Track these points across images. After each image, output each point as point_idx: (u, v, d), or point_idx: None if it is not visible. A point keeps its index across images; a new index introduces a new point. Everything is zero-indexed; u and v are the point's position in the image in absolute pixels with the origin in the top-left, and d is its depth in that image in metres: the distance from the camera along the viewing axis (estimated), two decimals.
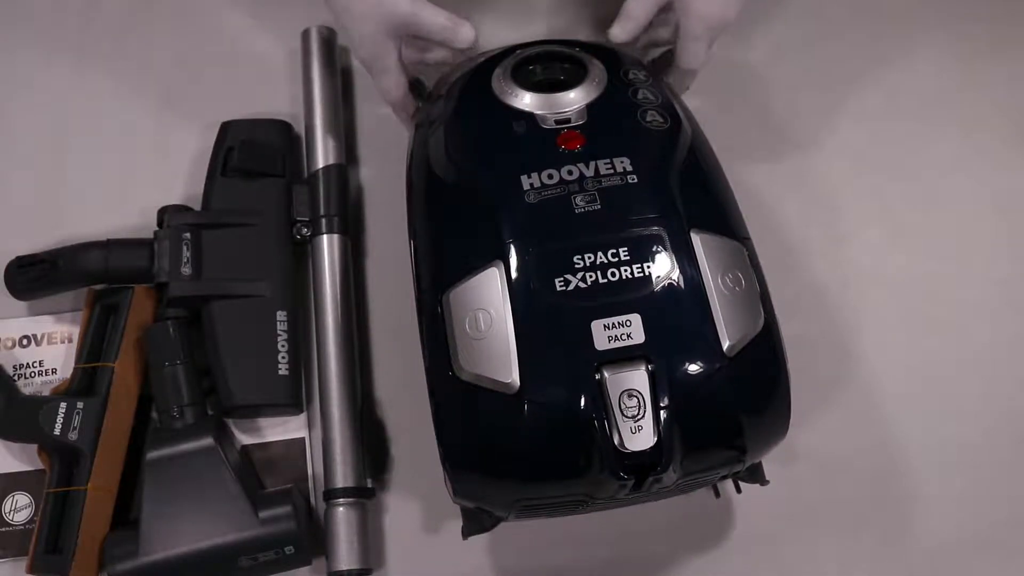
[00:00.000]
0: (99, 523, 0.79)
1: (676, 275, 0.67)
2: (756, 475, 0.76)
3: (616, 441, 0.64)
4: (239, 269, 0.85)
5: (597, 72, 0.77)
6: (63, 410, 0.79)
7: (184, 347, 0.82)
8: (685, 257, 0.68)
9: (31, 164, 0.95)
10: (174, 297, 0.83)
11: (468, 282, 0.68)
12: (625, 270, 0.67)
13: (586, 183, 0.70)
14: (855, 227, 0.94)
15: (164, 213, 0.87)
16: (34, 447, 0.82)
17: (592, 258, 0.67)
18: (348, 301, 0.87)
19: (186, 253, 0.84)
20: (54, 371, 0.86)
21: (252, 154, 0.89)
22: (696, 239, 0.68)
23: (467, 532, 0.74)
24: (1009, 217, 0.94)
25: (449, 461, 0.69)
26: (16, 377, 0.86)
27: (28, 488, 0.83)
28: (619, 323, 0.65)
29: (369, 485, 0.83)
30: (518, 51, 0.80)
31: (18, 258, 0.84)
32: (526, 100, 0.75)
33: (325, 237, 0.88)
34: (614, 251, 0.67)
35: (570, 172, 0.70)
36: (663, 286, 0.66)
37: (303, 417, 0.86)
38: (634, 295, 0.66)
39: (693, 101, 0.83)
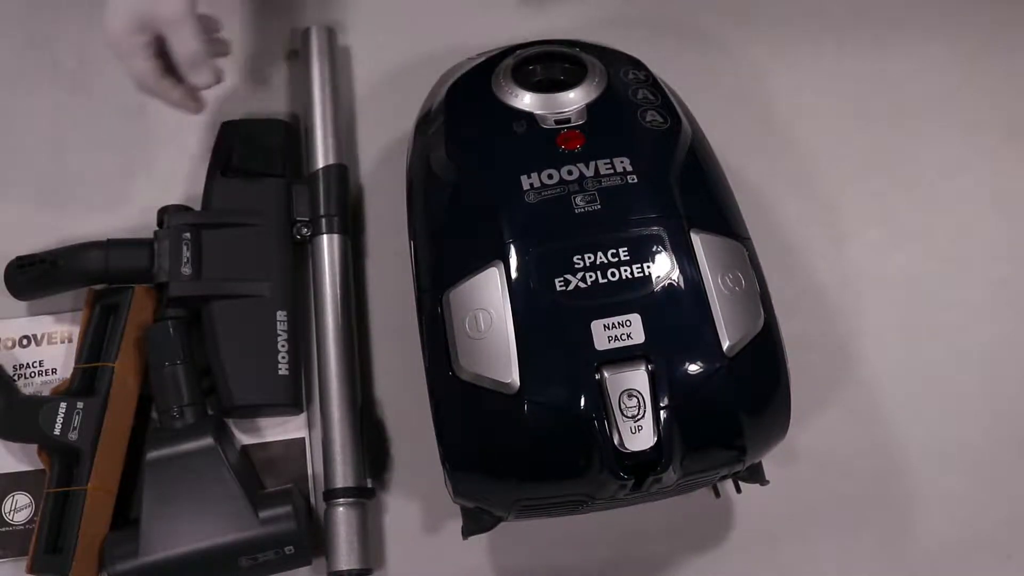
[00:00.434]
0: (99, 523, 0.79)
1: (676, 275, 0.67)
2: (756, 475, 0.76)
3: (616, 441, 0.64)
4: (239, 269, 0.85)
5: (597, 72, 0.77)
6: (63, 410, 0.79)
7: (184, 347, 0.82)
8: (685, 257, 0.68)
9: (31, 164, 0.95)
10: (174, 297, 0.83)
11: (468, 282, 0.68)
12: (625, 270, 0.67)
13: (586, 183, 0.70)
14: (855, 227, 0.94)
15: (164, 213, 0.87)
16: (34, 447, 0.82)
17: (592, 258, 0.67)
18: (348, 301, 0.87)
19: (186, 253, 0.84)
20: (54, 371, 0.86)
21: (252, 154, 0.89)
22: (696, 239, 0.68)
23: (467, 532, 0.74)
24: (1009, 217, 0.94)
25: (449, 461, 0.69)
26: (16, 377, 0.86)
27: (28, 488, 0.83)
28: (619, 323, 0.65)
29: (369, 485, 0.83)
30: (518, 51, 0.80)
31: (18, 258, 0.84)
32: (526, 100, 0.75)
33: (325, 237, 0.88)
34: (614, 251, 0.67)
35: (570, 172, 0.70)
36: (663, 286, 0.66)
37: (303, 417, 0.86)
38: (634, 295, 0.66)
39: (693, 101, 0.83)
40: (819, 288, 0.91)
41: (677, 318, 0.66)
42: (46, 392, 0.84)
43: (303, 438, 0.86)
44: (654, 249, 0.67)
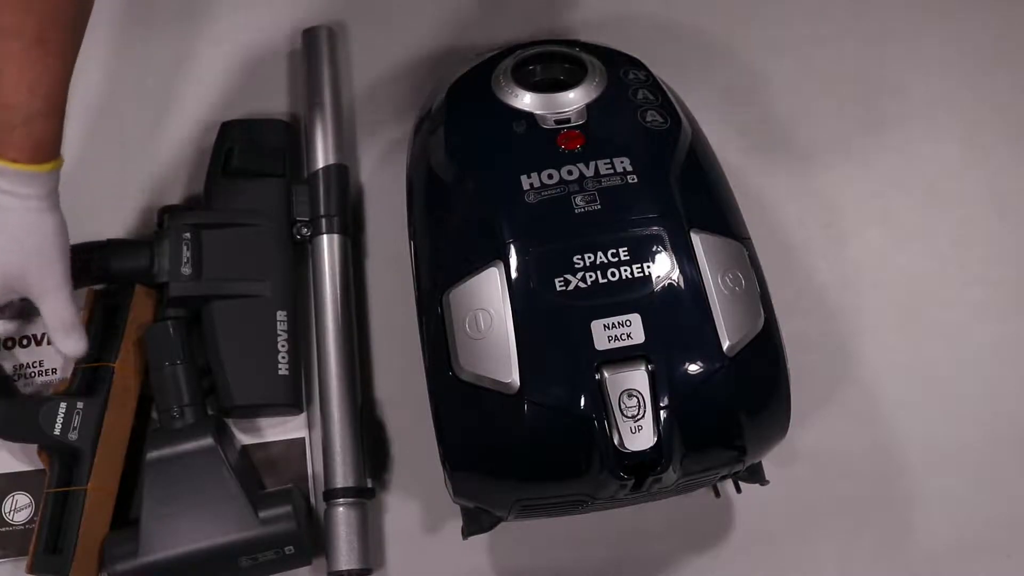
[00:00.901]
0: (99, 523, 0.79)
1: (676, 275, 0.67)
2: (756, 475, 0.76)
3: (616, 441, 0.64)
4: (239, 269, 0.85)
5: (597, 72, 0.77)
6: (63, 410, 0.79)
7: (184, 347, 0.82)
8: (685, 257, 0.68)
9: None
10: (174, 297, 0.83)
11: (468, 282, 0.68)
12: (625, 270, 0.67)
13: (586, 183, 0.70)
14: (855, 227, 0.93)
15: (164, 213, 0.87)
16: (34, 447, 0.82)
17: (592, 258, 0.67)
18: (348, 301, 0.87)
19: (186, 253, 0.84)
20: (54, 371, 0.86)
21: (252, 154, 0.89)
22: (696, 239, 0.68)
23: (467, 532, 0.74)
24: (1009, 218, 0.94)
25: (449, 461, 0.69)
26: (16, 377, 0.86)
27: (28, 488, 0.83)
28: (619, 323, 0.65)
29: (369, 485, 0.83)
30: (518, 51, 0.80)
31: None
32: (526, 100, 0.75)
33: (325, 237, 0.88)
34: (614, 251, 0.67)
35: (570, 172, 0.70)
36: (663, 286, 0.66)
37: (303, 417, 0.86)
38: (634, 295, 0.66)
39: (693, 101, 0.83)
40: (819, 288, 0.91)
41: (677, 318, 0.66)
42: (46, 392, 0.84)
43: (303, 438, 0.86)
44: (654, 249, 0.67)
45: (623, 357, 0.65)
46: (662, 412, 0.64)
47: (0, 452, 0.84)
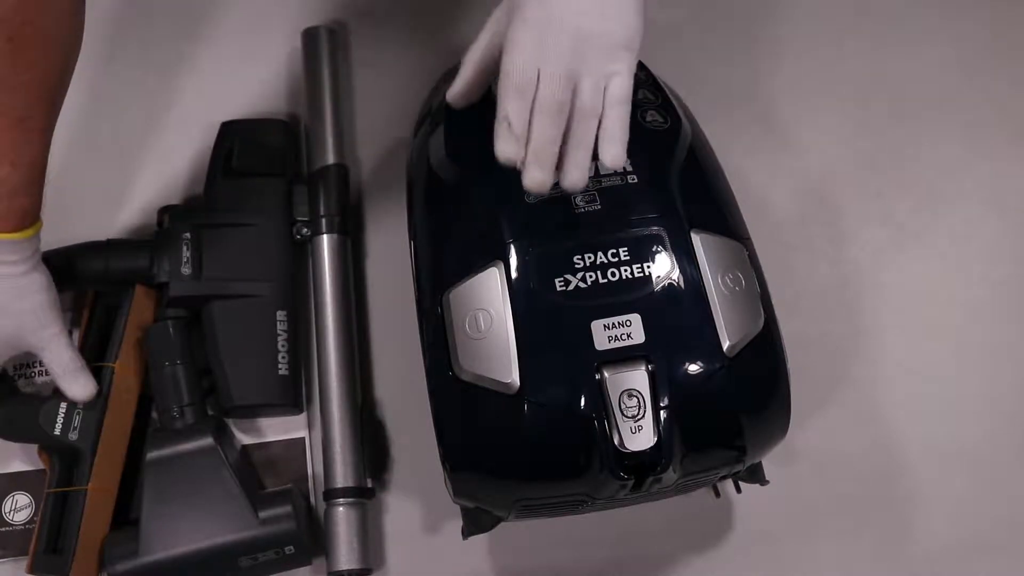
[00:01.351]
0: (99, 523, 0.79)
1: (676, 275, 0.67)
2: (756, 475, 0.76)
3: (616, 441, 0.64)
4: (239, 269, 0.85)
5: None
6: (63, 410, 0.79)
7: (184, 347, 0.82)
8: (685, 257, 0.68)
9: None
10: (174, 297, 0.83)
11: (468, 282, 0.68)
12: (625, 270, 0.67)
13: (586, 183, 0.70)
14: (855, 227, 0.93)
15: (164, 214, 0.87)
16: (35, 447, 0.82)
17: (592, 258, 0.67)
18: (348, 301, 0.87)
19: (186, 253, 0.84)
20: None
21: (252, 154, 0.89)
22: (696, 239, 0.68)
23: (467, 532, 0.74)
24: (1009, 217, 0.94)
25: (449, 461, 0.69)
26: (16, 377, 0.86)
27: (28, 488, 0.83)
28: (619, 323, 0.65)
29: (369, 485, 0.83)
30: None
31: None
32: None
33: (325, 237, 0.88)
34: (614, 251, 0.67)
35: None
36: (663, 286, 0.66)
37: (303, 417, 0.86)
38: (634, 295, 0.66)
39: (693, 100, 0.83)
40: (819, 288, 0.91)
41: (677, 318, 0.66)
42: (46, 392, 0.84)
43: (303, 438, 0.86)
44: (654, 249, 0.67)
45: (623, 357, 0.65)
46: (662, 412, 0.64)
47: (0, 452, 0.84)
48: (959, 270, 0.92)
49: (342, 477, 0.82)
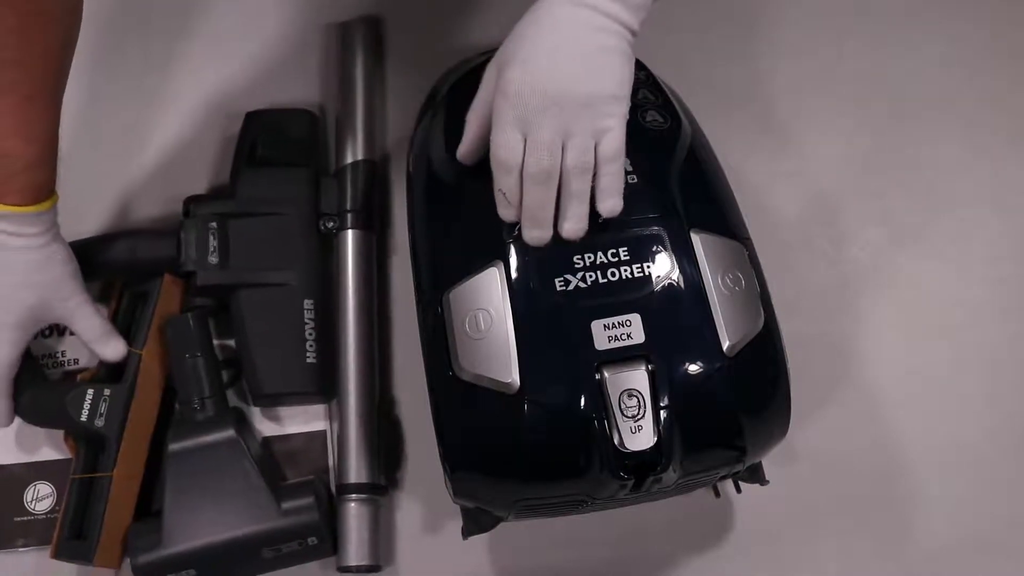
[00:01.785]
0: (124, 510, 0.80)
1: (676, 275, 0.67)
2: (756, 475, 0.76)
3: (616, 441, 0.64)
4: (266, 258, 0.85)
5: None
6: (90, 396, 0.80)
7: (205, 339, 0.82)
8: (685, 257, 0.68)
9: (61, 157, 0.95)
10: (201, 286, 0.83)
11: (468, 282, 0.68)
12: (625, 270, 0.67)
13: None
14: (855, 227, 0.93)
15: (190, 203, 0.87)
16: (57, 435, 0.82)
17: (592, 258, 0.67)
18: (370, 298, 0.87)
19: (213, 242, 0.84)
20: (76, 361, 0.87)
21: (277, 144, 0.89)
22: (696, 239, 0.68)
23: (467, 532, 0.74)
24: (1009, 217, 0.94)
25: (449, 461, 0.69)
26: (43, 365, 0.86)
27: (50, 478, 0.83)
28: (619, 323, 0.65)
29: (383, 482, 0.83)
30: None
31: None
32: None
33: (350, 232, 0.88)
34: (614, 251, 0.67)
35: None
36: (663, 286, 0.66)
37: (324, 410, 0.86)
38: (634, 295, 0.66)
39: (693, 100, 0.83)
40: (819, 288, 0.91)
41: (677, 318, 0.66)
42: (72, 379, 0.84)
43: (324, 431, 0.86)
44: (654, 249, 0.67)
45: (623, 357, 0.65)
46: (662, 412, 0.64)
47: (23, 441, 0.84)
48: (959, 270, 0.92)
49: (355, 473, 0.82)
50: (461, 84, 0.80)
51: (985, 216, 0.94)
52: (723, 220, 0.72)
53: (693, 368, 0.65)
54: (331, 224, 0.88)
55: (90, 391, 0.80)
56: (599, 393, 0.64)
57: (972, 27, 1.01)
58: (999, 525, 0.85)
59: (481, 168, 0.72)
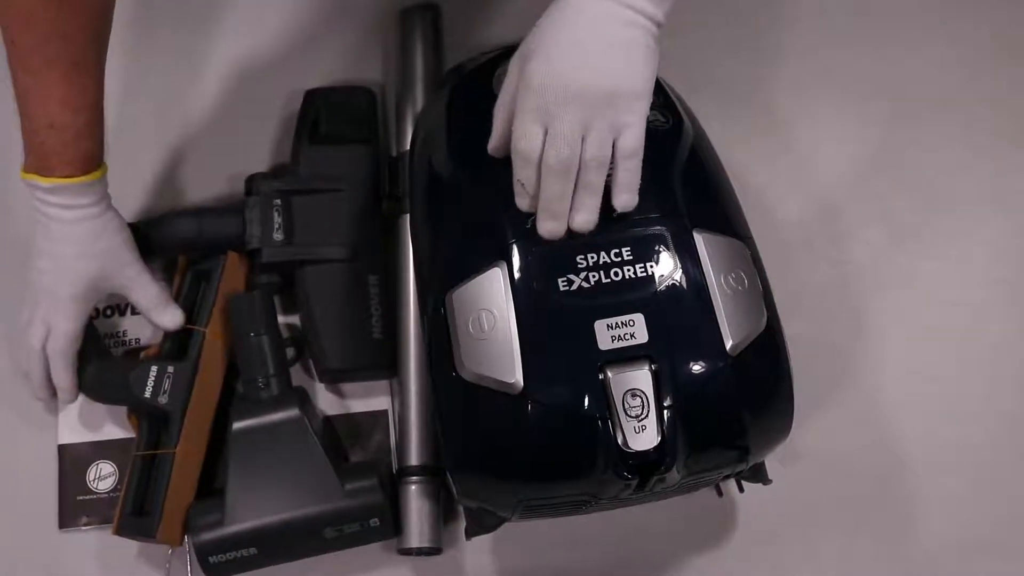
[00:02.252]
0: (186, 487, 0.80)
1: (679, 275, 0.67)
2: (759, 474, 0.76)
3: (620, 441, 0.64)
4: (330, 234, 0.85)
5: None
6: (154, 373, 0.80)
7: (269, 317, 0.83)
8: (688, 257, 0.68)
9: (119, 136, 0.93)
10: (266, 263, 0.84)
11: (471, 282, 0.68)
12: (628, 270, 0.67)
13: None
14: (855, 227, 0.94)
15: (252, 181, 0.87)
16: (120, 413, 0.83)
17: (595, 258, 0.67)
18: None
19: (277, 219, 0.84)
20: (137, 341, 0.87)
21: (338, 121, 0.89)
22: (699, 238, 0.68)
23: (471, 532, 0.74)
24: (1009, 217, 0.95)
25: (452, 461, 0.69)
26: (107, 344, 0.87)
27: (113, 457, 0.84)
28: (622, 323, 0.65)
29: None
30: None
31: None
32: None
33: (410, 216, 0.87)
34: (617, 251, 0.67)
35: None
36: (666, 286, 0.66)
37: (387, 389, 0.86)
38: (637, 295, 0.66)
39: (695, 100, 0.83)
40: (819, 288, 0.91)
41: (680, 318, 0.66)
42: (136, 356, 0.84)
43: (386, 410, 0.86)
44: (657, 249, 0.67)
45: (626, 357, 0.65)
46: (666, 412, 0.64)
47: (86, 420, 0.85)
48: (959, 270, 0.93)
49: (417, 455, 0.82)
50: (461, 86, 0.80)
51: (985, 216, 0.95)
52: (726, 219, 0.72)
53: (696, 368, 0.65)
54: (395, 207, 0.88)
55: (154, 368, 0.80)
56: (603, 393, 0.64)
57: (972, 27, 1.01)
58: (999, 525, 0.85)
59: (483, 168, 0.73)
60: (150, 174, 0.93)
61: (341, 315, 0.83)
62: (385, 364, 0.84)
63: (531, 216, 0.68)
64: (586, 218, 0.67)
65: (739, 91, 0.98)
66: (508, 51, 0.80)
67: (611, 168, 0.67)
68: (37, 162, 0.74)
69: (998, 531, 0.85)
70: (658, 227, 0.68)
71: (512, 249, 0.68)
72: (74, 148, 0.74)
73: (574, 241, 0.68)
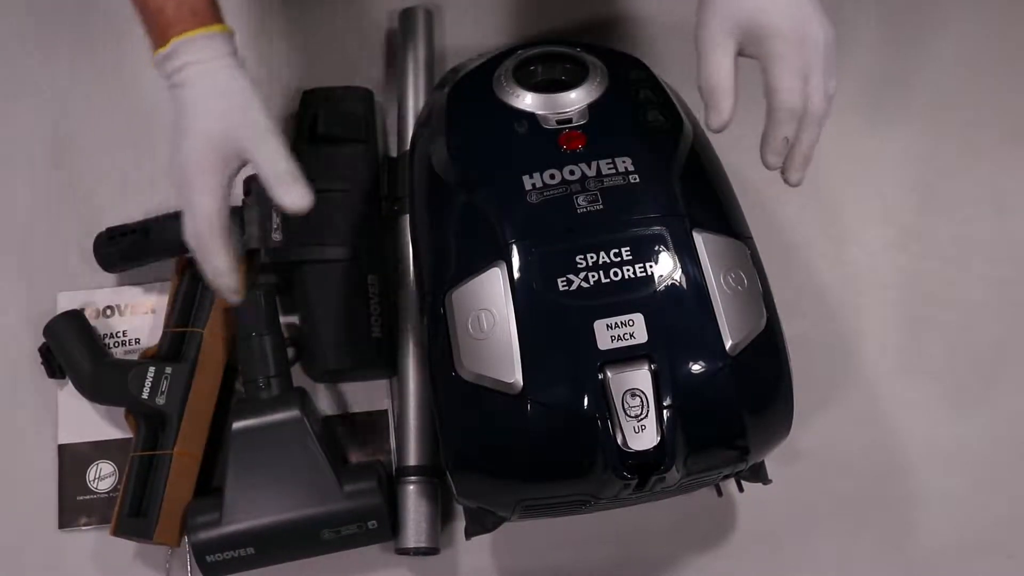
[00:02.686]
0: (183, 488, 0.80)
1: (678, 275, 0.67)
2: (759, 474, 0.76)
3: (619, 441, 0.64)
4: (329, 234, 0.85)
5: (598, 72, 0.77)
6: (152, 374, 0.80)
7: (272, 318, 0.83)
8: (687, 256, 0.67)
9: (118, 136, 0.95)
10: (265, 263, 0.84)
11: (470, 282, 0.68)
12: (627, 270, 0.67)
13: (588, 183, 0.70)
14: (855, 227, 0.94)
15: (251, 182, 0.87)
16: (119, 413, 0.83)
17: (594, 258, 0.67)
18: None
19: (276, 220, 0.84)
20: (137, 341, 0.88)
21: (336, 121, 0.89)
22: (698, 238, 0.68)
23: (470, 532, 0.74)
24: (1009, 217, 0.95)
25: (452, 461, 0.69)
26: (107, 344, 0.87)
27: (112, 457, 0.85)
28: (622, 323, 0.65)
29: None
30: (519, 51, 0.80)
31: (108, 229, 0.86)
32: (527, 100, 0.75)
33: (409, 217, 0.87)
34: (616, 251, 0.67)
35: (572, 172, 0.70)
36: (665, 286, 0.66)
37: (386, 390, 0.86)
38: (636, 295, 0.66)
39: (694, 100, 0.83)
40: (819, 288, 0.91)
41: (680, 318, 0.66)
42: (135, 358, 0.85)
43: (386, 410, 0.86)
44: (656, 249, 0.67)
45: (626, 357, 0.65)
46: (665, 412, 0.64)
47: (85, 420, 0.85)
48: (959, 270, 0.93)
49: (415, 456, 0.82)
50: (461, 86, 0.80)
51: (985, 216, 0.95)
52: (725, 219, 0.72)
53: (696, 368, 0.65)
54: (395, 207, 0.88)
55: (151, 369, 0.81)
56: (602, 393, 0.64)
57: (973, 27, 1.01)
58: (999, 525, 0.85)
59: (483, 168, 0.73)
60: (149, 174, 0.93)
61: (340, 315, 0.83)
62: (385, 364, 0.84)
63: (528, 217, 0.69)
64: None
65: (739, 91, 0.98)
66: (507, 52, 0.80)
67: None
68: (159, 36, 0.70)
69: (998, 531, 0.85)
70: (658, 227, 0.68)
71: (512, 249, 0.68)
72: (188, 5, 0.70)
73: (573, 241, 0.67)
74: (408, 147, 0.88)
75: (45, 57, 0.98)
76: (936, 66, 1.00)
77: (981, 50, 1.01)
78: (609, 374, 0.64)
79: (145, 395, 0.80)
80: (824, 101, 0.70)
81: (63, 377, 0.84)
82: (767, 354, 0.69)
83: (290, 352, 0.85)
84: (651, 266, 0.67)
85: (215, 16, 0.72)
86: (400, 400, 0.84)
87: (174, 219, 0.83)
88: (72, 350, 0.83)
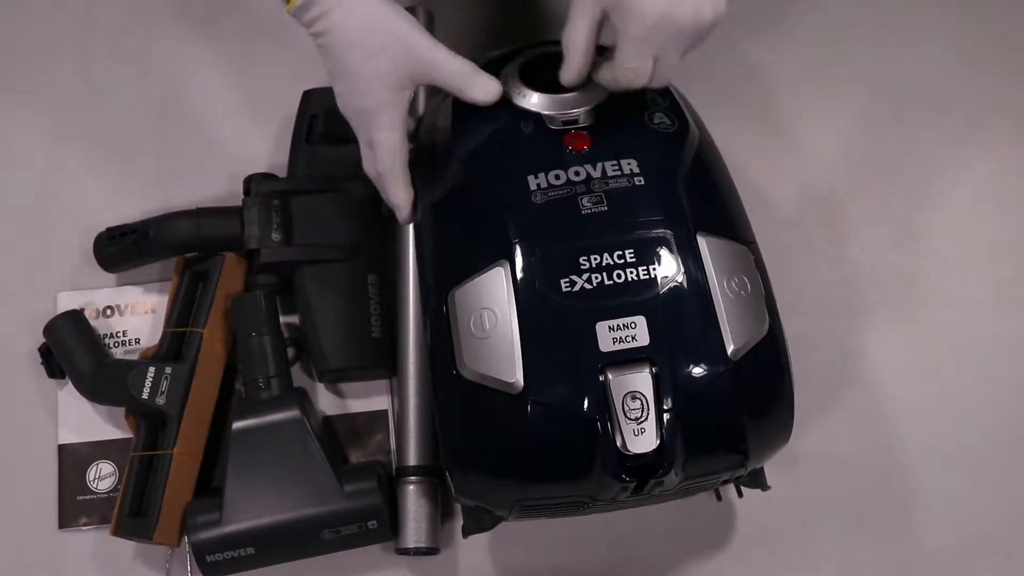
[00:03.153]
0: (183, 488, 0.80)
1: (682, 278, 0.67)
2: (758, 480, 0.76)
3: (619, 443, 0.64)
4: (328, 234, 0.85)
5: None
6: (151, 374, 0.80)
7: (272, 317, 0.83)
8: (691, 260, 0.67)
9: (117, 137, 0.95)
10: (265, 263, 0.84)
11: (473, 281, 0.68)
12: (631, 272, 0.66)
13: (593, 184, 0.69)
14: (855, 227, 0.94)
15: (251, 182, 0.87)
16: (120, 414, 0.83)
17: (598, 259, 0.67)
18: None
19: (275, 219, 0.84)
20: (137, 341, 0.88)
21: (336, 121, 0.88)
22: (702, 242, 0.68)
23: (467, 531, 0.74)
24: (1009, 217, 0.95)
25: (451, 459, 0.69)
26: (107, 344, 0.87)
27: (112, 457, 0.84)
28: (624, 325, 0.65)
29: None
30: (526, 51, 0.80)
31: (108, 229, 0.85)
32: (533, 100, 0.75)
33: None
34: (620, 253, 0.67)
35: (577, 173, 0.70)
36: (669, 289, 0.66)
37: (386, 389, 0.86)
38: (639, 297, 0.66)
39: (694, 100, 0.83)
40: (819, 288, 0.91)
41: (682, 321, 0.66)
42: (134, 358, 0.85)
43: (386, 410, 0.86)
44: (660, 251, 0.67)
45: (627, 359, 0.64)
46: (665, 415, 0.64)
47: (85, 420, 0.85)
48: (959, 270, 0.93)
49: (415, 455, 0.82)
50: None
51: (985, 216, 0.95)
52: (730, 224, 0.72)
53: (697, 372, 0.65)
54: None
55: (151, 369, 0.80)
56: (602, 395, 0.64)
57: (972, 27, 1.01)
58: (999, 525, 0.85)
59: (488, 166, 0.72)
60: (149, 174, 0.93)
61: (340, 314, 0.83)
62: (385, 364, 0.84)
63: (532, 217, 0.69)
64: None
65: (738, 91, 0.98)
66: (513, 52, 0.80)
67: None
68: None
69: (998, 531, 0.85)
70: (662, 230, 0.68)
71: (515, 249, 0.68)
72: None
73: (577, 242, 0.67)
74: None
75: (45, 57, 0.98)
76: (936, 66, 1.00)
77: (980, 50, 1.01)
78: (610, 376, 0.64)
79: (145, 395, 0.80)
80: (670, 76, 0.71)
81: (63, 377, 0.84)
82: (769, 360, 0.69)
83: (290, 352, 0.85)
84: (654, 269, 0.67)
85: None
86: (400, 400, 0.84)
87: (174, 219, 0.84)
88: (72, 350, 0.83)
